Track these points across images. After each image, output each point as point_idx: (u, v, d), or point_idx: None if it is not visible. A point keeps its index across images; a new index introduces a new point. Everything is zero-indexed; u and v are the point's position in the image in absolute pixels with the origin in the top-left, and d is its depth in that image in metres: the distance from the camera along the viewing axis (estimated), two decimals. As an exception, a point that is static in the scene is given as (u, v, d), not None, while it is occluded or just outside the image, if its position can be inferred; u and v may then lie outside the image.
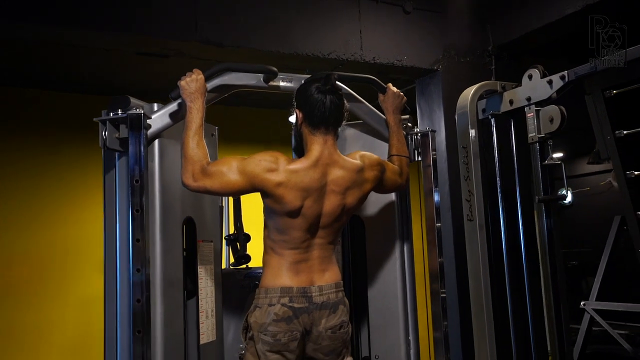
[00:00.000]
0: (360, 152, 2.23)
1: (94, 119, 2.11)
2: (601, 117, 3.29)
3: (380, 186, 2.27)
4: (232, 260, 2.88)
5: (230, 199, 2.97)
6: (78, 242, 4.33)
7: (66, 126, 4.42)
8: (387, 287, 2.58)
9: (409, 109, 2.50)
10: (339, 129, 2.15)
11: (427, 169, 2.61)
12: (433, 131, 2.63)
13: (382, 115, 2.52)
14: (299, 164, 2.05)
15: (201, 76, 2.14)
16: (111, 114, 2.12)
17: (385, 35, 3.33)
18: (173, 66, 3.12)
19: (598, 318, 3.72)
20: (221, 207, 2.82)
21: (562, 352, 2.74)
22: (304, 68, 3.16)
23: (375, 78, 2.45)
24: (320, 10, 3.17)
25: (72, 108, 4.43)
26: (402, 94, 2.44)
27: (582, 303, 3.84)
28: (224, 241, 2.83)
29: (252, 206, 3.36)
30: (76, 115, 4.36)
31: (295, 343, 2.03)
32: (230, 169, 2.01)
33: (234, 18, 2.93)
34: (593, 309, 3.76)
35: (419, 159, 2.63)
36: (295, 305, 2.03)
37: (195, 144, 2.03)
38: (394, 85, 2.47)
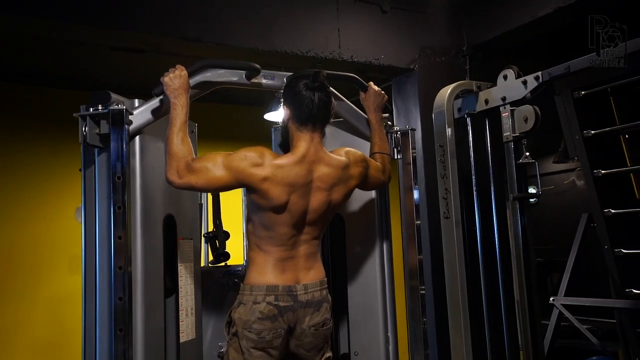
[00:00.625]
0: (345, 148, 2.25)
1: (73, 114, 2.07)
2: (570, 117, 3.39)
3: (364, 183, 2.29)
4: (211, 258, 2.86)
5: (210, 196, 2.95)
6: (47, 239, 4.23)
7: (39, 121, 4.31)
8: (367, 284, 2.60)
9: (390, 107, 2.53)
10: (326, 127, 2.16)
11: (407, 167, 2.64)
12: (413, 129, 2.66)
13: (363, 113, 2.54)
14: (285, 159, 2.06)
15: (185, 72, 2.12)
16: (91, 109, 2.08)
17: (363, 34, 3.34)
18: (151, 61, 3.09)
19: (566, 313, 3.82)
20: (200, 205, 2.80)
21: (535, 346, 2.82)
22: (282, 65, 3.15)
23: (357, 76, 2.47)
24: (299, 7, 3.16)
25: (46, 103, 4.33)
26: (383, 92, 2.46)
27: (551, 298, 3.93)
28: (202, 239, 2.81)
29: (231, 204, 3.37)
30: (50, 110, 4.27)
31: (280, 340, 2.04)
32: (216, 164, 2.00)
33: (213, 14, 2.90)
34: (562, 304, 3.86)
35: (399, 157, 2.65)
36: (281, 303, 2.04)
37: (180, 141, 2.02)
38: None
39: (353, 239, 2.64)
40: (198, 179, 1.99)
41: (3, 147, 4.21)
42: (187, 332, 2.40)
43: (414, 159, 2.64)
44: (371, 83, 2.47)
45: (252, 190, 2.04)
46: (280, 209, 2.04)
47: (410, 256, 2.61)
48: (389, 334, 2.60)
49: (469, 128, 3.03)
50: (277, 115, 3.95)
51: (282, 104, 2.15)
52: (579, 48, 2.58)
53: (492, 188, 2.98)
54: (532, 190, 2.93)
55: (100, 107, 2.07)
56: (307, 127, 2.09)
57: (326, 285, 2.20)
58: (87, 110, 2.09)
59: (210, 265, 2.87)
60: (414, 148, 2.65)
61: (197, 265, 2.55)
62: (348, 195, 2.21)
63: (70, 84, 4.21)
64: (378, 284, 2.59)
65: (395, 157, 2.67)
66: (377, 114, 2.45)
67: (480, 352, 2.91)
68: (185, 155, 1.99)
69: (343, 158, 2.18)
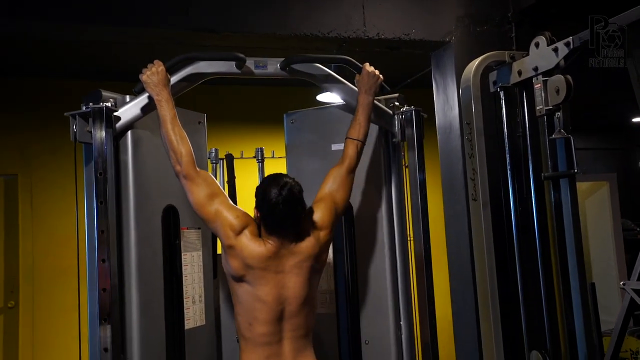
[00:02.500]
0: (310, 212, 2.18)
1: (64, 114, 2.18)
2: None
3: (339, 204, 2.23)
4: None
5: (226, 184, 3.00)
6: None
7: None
8: (376, 272, 2.53)
9: (387, 88, 2.40)
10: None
11: (412, 150, 2.50)
12: (417, 110, 2.51)
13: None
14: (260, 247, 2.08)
15: (162, 67, 2.16)
16: (84, 107, 2.18)
17: (391, 9, 3.18)
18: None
19: (638, 299, 3.45)
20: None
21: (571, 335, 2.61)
22: (305, 49, 3.09)
23: (351, 58, 2.37)
24: (318, -13, 3.08)
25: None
26: (377, 73, 2.34)
27: (621, 283, 3.57)
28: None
29: (246, 193, 3.41)
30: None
31: None
32: (215, 193, 2.14)
33: (227, 2, 2.91)
34: (633, 289, 3.49)
35: (399, 139, 2.53)
36: None
37: (179, 137, 2.12)
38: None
39: (362, 227, 2.56)
40: (192, 184, 2.12)
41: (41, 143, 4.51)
42: (194, 318, 2.46)
43: (420, 138, 2.50)
44: (366, 64, 2.36)
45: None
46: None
47: (417, 241, 2.48)
48: (401, 322, 2.50)
49: (503, 102, 2.83)
50: (329, 96, 3.91)
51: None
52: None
53: (531, 167, 2.76)
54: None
55: (91, 105, 2.16)
56: (274, 235, 2.08)
57: None
58: (82, 109, 2.18)
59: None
60: (419, 128, 2.50)
61: (210, 253, 2.60)
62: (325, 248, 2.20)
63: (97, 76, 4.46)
64: (387, 273, 2.50)
65: (405, 139, 2.54)
66: (366, 96, 2.32)
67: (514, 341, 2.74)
68: (189, 152, 2.12)
69: (311, 240, 2.13)
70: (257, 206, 2.10)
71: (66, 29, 2.80)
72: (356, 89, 2.45)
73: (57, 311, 4.54)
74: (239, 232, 2.06)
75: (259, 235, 2.10)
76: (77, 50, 4.18)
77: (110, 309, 2.04)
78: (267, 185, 2.06)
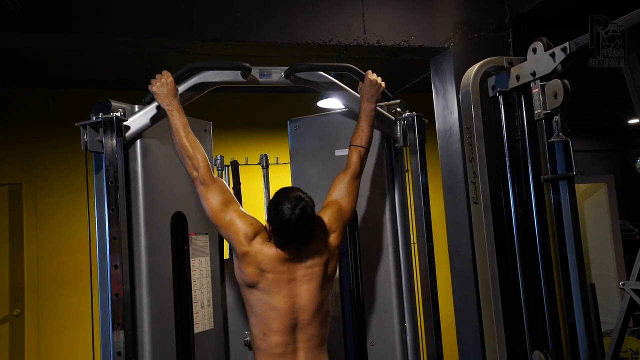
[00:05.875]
0: (318, 220, 2.22)
1: (75, 124, 2.22)
2: (638, 85, 3.08)
3: (345, 210, 2.28)
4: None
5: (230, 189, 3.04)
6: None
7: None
8: (381, 274, 2.57)
9: (390, 95, 2.46)
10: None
11: (414, 155, 2.56)
12: (419, 116, 2.56)
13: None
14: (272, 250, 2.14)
15: (170, 79, 2.21)
16: (93, 117, 2.23)
17: (390, 16, 3.24)
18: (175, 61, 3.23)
19: (637, 299, 3.50)
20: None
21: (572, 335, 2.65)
22: (306, 56, 3.15)
23: (353, 66, 2.42)
24: (318, -5, 3.14)
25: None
26: (379, 81, 2.40)
27: (620, 283, 3.62)
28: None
29: (253, 198, 3.46)
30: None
31: None
32: (228, 202, 2.18)
33: (230, 12, 2.96)
34: (632, 289, 3.54)
35: (402, 144, 2.59)
36: None
37: (193, 144, 2.17)
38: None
39: (366, 230, 2.61)
40: (208, 189, 2.17)
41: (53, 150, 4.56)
42: (203, 322, 2.51)
43: (422, 143, 2.55)
44: (369, 72, 2.42)
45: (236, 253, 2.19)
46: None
47: (421, 244, 2.53)
48: (407, 324, 2.55)
49: (502, 107, 2.88)
50: (330, 102, 3.96)
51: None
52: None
53: (530, 170, 2.81)
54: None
55: (101, 115, 2.21)
56: (286, 248, 2.13)
57: None
58: (91, 119, 2.24)
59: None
60: (420, 133, 2.56)
61: (217, 259, 2.65)
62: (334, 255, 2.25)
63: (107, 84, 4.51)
64: (392, 275, 2.55)
65: (407, 144, 2.59)
66: (368, 103, 2.38)
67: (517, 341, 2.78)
68: (205, 158, 2.18)
69: (320, 247, 2.19)
70: (270, 221, 2.14)
71: (67, 41, 2.86)
72: (358, 95, 2.50)
73: (62, 318, 4.59)
74: (252, 239, 2.12)
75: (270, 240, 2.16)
76: (78, 62, 4.24)
77: (123, 314, 2.09)
78: (280, 202, 2.10)
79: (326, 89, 2.49)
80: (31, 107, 4.75)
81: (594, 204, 6.96)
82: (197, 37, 2.91)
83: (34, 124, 4.74)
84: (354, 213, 2.38)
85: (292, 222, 2.04)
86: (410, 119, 2.57)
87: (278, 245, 2.12)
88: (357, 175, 2.32)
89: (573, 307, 2.68)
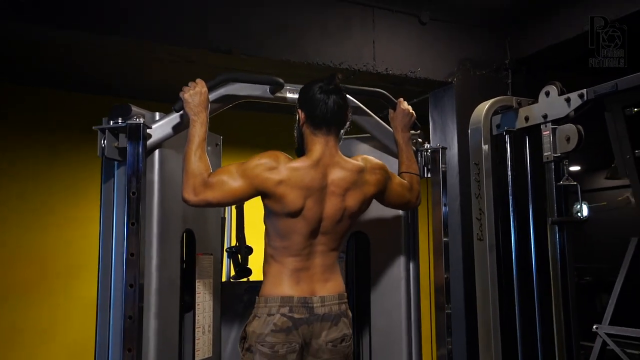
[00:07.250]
0: (363, 155, 2.17)
1: (92, 128, 2.05)
2: (620, 136, 3.18)
3: (385, 195, 2.20)
4: (232, 273, 2.81)
5: (234, 209, 2.90)
6: (80, 244, 4.27)
7: (76, 128, 4.38)
8: (391, 308, 2.50)
9: (419, 125, 2.42)
10: (342, 131, 2.11)
11: (437, 186, 2.52)
12: (444, 148, 2.54)
13: (390, 129, 2.45)
14: (300, 163, 2.00)
15: (205, 89, 2.07)
16: (111, 122, 2.06)
17: (399, 46, 3.24)
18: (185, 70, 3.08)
19: (612, 344, 3.59)
20: (223, 219, 2.75)
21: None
22: (314, 77, 3.08)
23: (386, 93, 2.37)
24: (332, 19, 3.09)
25: (91, 109, 4.41)
26: (411, 111, 2.36)
27: (594, 327, 3.71)
28: (225, 253, 2.76)
29: (257, 218, 3.32)
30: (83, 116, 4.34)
31: (294, 355, 1.95)
32: (231, 175, 1.95)
33: (244, 26, 2.87)
34: (606, 333, 3.63)
35: (429, 175, 2.55)
36: (295, 315, 1.96)
37: (198, 158, 1.97)
38: (407, 96, 2.40)
39: (378, 258, 2.54)
40: (214, 193, 1.94)
41: (38, 152, 4.29)
42: (203, 350, 2.35)
43: (444, 175, 2.52)
44: (401, 100, 2.37)
45: (267, 195, 1.98)
46: (295, 214, 1.97)
47: (438, 275, 2.49)
48: (413, 356, 2.48)
49: (508, 146, 2.90)
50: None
51: (297, 107, 2.11)
52: (629, 63, 2.42)
53: (531, 210, 2.84)
54: (577, 208, 2.79)
55: (119, 121, 2.04)
56: (321, 130, 2.03)
57: (346, 300, 2.10)
58: (108, 123, 2.06)
59: (232, 280, 2.82)
60: (444, 164, 2.53)
61: (217, 281, 2.50)
62: (365, 202, 2.12)
63: (110, 90, 4.26)
64: (403, 309, 2.48)
65: (426, 175, 2.55)
66: (404, 133, 2.35)
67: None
68: (201, 172, 1.95)
69: (359, 162, 2.10)
70: (301, 105, 2.08)
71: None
72: (382, 123, 2.45)
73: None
74: (274, 167, 1.96)
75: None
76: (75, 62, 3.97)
77: (137, 339, 1.90)
78: (310, 83, 2.08)
79: (352, 113, 2.42)
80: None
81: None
82: (209, 47, 2.79)
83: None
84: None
85: (325, 93, 2.02)
86: (433, 150, 2.53)
87: (312, 129, 2.03)
88: (416, 198, 2.34)
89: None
